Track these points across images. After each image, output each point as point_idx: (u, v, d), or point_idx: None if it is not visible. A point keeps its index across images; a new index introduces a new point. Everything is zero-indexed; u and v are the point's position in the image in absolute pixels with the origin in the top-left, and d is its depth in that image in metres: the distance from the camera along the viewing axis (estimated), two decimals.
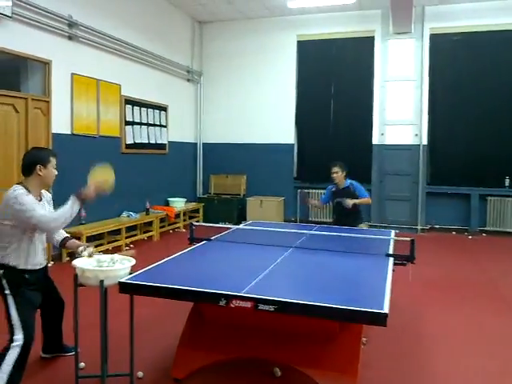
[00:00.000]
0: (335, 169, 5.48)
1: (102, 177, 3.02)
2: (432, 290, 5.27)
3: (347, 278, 2.99)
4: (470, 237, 8.54)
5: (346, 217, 5.40)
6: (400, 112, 9.09)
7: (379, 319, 2.24)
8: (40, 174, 2.92)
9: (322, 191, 9.32)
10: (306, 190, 9.37)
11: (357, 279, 3.01)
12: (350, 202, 5.36)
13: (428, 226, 8.98)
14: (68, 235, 3.27)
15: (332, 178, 5.51)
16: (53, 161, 2.99)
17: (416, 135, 8.98)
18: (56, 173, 3.04)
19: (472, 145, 8.73)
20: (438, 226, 8.97)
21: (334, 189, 5.59)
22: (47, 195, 3.13)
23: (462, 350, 3.70)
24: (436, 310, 4.62)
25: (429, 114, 8.93)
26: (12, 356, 2.67)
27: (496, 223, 8.68)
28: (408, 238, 3.60)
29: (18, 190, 2.80)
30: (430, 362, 3.45)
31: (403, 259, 3.64)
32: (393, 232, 4.67)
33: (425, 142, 8.95)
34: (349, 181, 5.54)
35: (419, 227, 8.91)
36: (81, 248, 3.07)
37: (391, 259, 3.46)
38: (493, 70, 8.58)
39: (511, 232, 8.57)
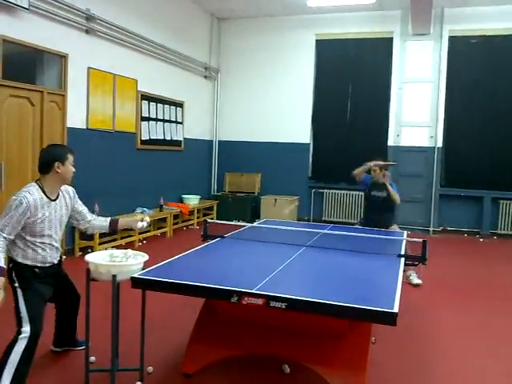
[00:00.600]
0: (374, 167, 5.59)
1: None
2: (443, 291, 5.26)
3: (358, 277, 2.99)
4: (481, 239, 8.47)
5: (379, 214, 5.42)
6: (416, 114, 9.01)
7: (389, 318, 2.24)
8: (58, 171, 2.91)
9: (337, 191, 9.40)
10: (320, 190, 9.37)
11: (368, 278, 2.99)
12: (377, 163, 5.47)
13: (440, 227, 8.92)
14: (111, 218, 3.30)
15: (371, 176, 5.63)
16: (70, 158, 2.99)
17: (431, 137, 8.91)
18: (74, 170, 3.03)
19: (486, 148, 8.67)
20: (450, 228, 8.90)
21: (371, 180, 5.65)
22: (68, 190, 3.12)
23: (471, 351, 3.68)
24: (446, 311, 4.60)
25: (445, 116, 8.86)
26: (19, 348, 2.69)
27: (508, 226, 8.65)
28: (420, 239, 3.58)
29: (22, 193, 2.80)
30: (439, 363, 3.43)
31: (415, 260, 3.65)
32: (405, 233, 4.66)
33: (440, 144, 8.88)
34: (390, 181, 5.58)
35: (431, 229, 8.84)
36: (139, 224, 3.22)
37: (403, 260, 3.44)
38: (510, 74, 8.48)
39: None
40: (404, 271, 5.01)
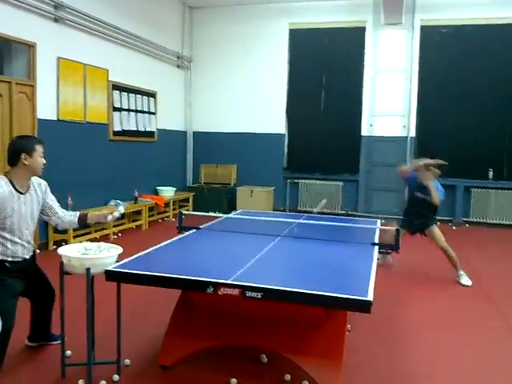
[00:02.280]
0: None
1: None
2: (415, 278, 5.36)
3: (333, 266, 3.02)
4: (453, 227, 8.65)
5: (420, 213, 5.23)
6: (389, 103, 9.13)
7: (363, 306, 2.27)
8: (26, 163, 2.84)
9: (312, 181, 9.45)
10: (296, 180, 9.44)
11: (342, 267, 3.03)
12: (423, 162, 5.11)
13: None
14: (80, 212, 3.23)
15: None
16: (39, 149, 2.91)
17: (404, 127, 9.03)
18: (44, 161, 2.96)
19: (458, 137, 8.81)
20: None
21: (418, 178, 5.26)
22: (40, 183, 3.06)
23: (443, 336, 3.77)
24: (418, 298, 4.71)
25: (417, 105, 8.98)
26: None
27: (479, 214, 8.83)
28: (393, 228, 3.64)
29: None
30: (413, 348, 3.52)
31: (388, 248, 3.69)
32: (379, 221, 4.73)
33: (412, 133, 9.01)
34: (437, 182, 5.22)
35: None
36: (109, 217, 3.15)
37: (376, 248, 3.49)
38: (481, 63, 8.62)
39: (493, 223, 8.72)
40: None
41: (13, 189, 2.82)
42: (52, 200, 3.14)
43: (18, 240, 2.89)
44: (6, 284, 2.81)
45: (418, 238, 5.56)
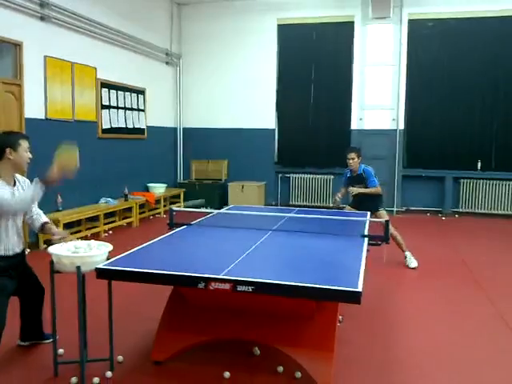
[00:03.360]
0: (351, 154, 5.36)
1: (66, 158, 2.89)
2: (405, 269, 5.40)
3: (323, 259, 3.04)
4: (443, 218, 8.74)
5: (362, 203, 5.36)
6: (378, 97, 9.17)
7: (354, 297, 2.30)
8: (10, 157, 2.86)
9: (303, 175, 9.49)
10: (287, 175, 9.47)
11: (332, 259, 3.05)
12: (353, 190, 5.33)
13: (404, 208, 9.15)
14: (47, 220, 3.21)
15: (348, 163, 5.42)
16: (23, 144, 2.92)
17: (393, 120, 9.08)
18: (30, 156, 2.98)
19: (447, 129, 8.89)
20: (413, 208, 9.14)
21: (349, 174, 5.53)
22: (23, 180, 3.06)
23: (434, 326, 3.82)
24: (409, 288, 4.78)
25: (406, 98, 9.04)
26: None
27: (468, 205, 8.94)
28: (383, 220, 3.67)
29: None
30: (404, 338, 3.56)
31: (378, 240, 3.72)
32: (369, 213, 4.76)
33: (402, 126, 9.07)
34: (362, 166, 5.44)
35: (395, 209, 9.05)
36: (55, 238, 3.06)
37: (366, 240, 3.52)
38: (469, 56, 8.70)
39: (482, 213, 8.83)
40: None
41: (4, 182, 2.82)
42: None
43: (12, 233, 2.89)
44: None
45: (407, 231, 5.62)
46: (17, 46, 5.78)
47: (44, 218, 3.19)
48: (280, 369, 2.96)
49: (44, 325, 3.29)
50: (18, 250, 2.98)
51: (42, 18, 6.13)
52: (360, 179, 5.42)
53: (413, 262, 5.38)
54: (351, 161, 5.38)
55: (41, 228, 3.17)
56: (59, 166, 2.82)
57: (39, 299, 3.20)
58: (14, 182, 2.94)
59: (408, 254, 5.44)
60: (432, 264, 5.61)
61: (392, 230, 5.13)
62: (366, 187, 5.40)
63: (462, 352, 3.36)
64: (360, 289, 2.32)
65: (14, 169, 2.92)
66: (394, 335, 3.61)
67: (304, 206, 8.82)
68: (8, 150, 2.85)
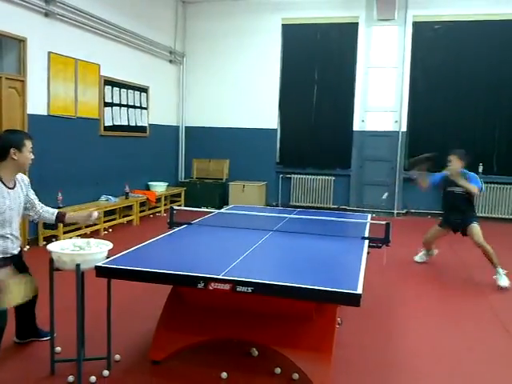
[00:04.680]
0: (450, 157, 5.18)
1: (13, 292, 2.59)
2: (405, 272, 5.40)
3: (323, 260, 3.03)
4: None
5: (458, 210, 5.15)
6: (381, 99, 9.14)
7: (353, 300, 2.29)
8: (15, 158, 2.83)
9: (304, 176, 9.48)
10: (288, 175, 9.45)
11: (332, 261, 3.05)
12: (461, 182, 5.00)
13: (405, 210, 9.13)
14: (59, 211, 3.22)
15: (447, 167, 5.23)
16: (28, 144, 2.90)
17: (396, 122, 9.06)
18: (32, 157, 2.96)
19: (449, 132, 8.85)
20: (414, 211, 9.12)
21: (448, 175, 5.26)
22: (23, 179, 3.05)
23: (433, 328, 3.81)
24: (408, 290, 4.75)
25: (409, 101, 9.01)
26: None
27: None
28: (383, 222, 3.65)
29: None
30: (403, 341, 3.55)
31: (378, 242, 3.71)
32: (369, 216, 4.75)
33: (404, 128, 9.04)
34: (465, 171, 5.21)
35: (396, 211, 9.04)
36: (92, 218, 3.15)
37: (366, 242, 3.52)
38: (473, 60, 8.67)
39: (483, 216, 8.74)
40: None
41: (2, 184, 2.81)
42: (33, 194, 3.13)
43: (9, 235, 2.88)
44: None
45: (407, 234, 5.60)
46: (21, 42, 5.77)
47: (51, 209, 3.19)
48: (278, 370, 2.96)
49: (42, 322, 3.28)
50: (15, 251, 2.97)
51: (47, 14, 6.12)
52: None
53: (503, 280, 4.83)
54: (449, 163, 5.18)
55: (59, 220, 3.17)
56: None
57: (31, 301, 3.17)
58: (14, 183, 2.92)
59: (500, 270, 4.90)
60: (432, 267, 5.60)
61: (483, 243, 4.95)
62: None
63: (462, 355, 3.35)
64: (360, 291, 2.32)
65: (16, 169, 2.91)
66: (393, 338, 3.60)
67: (305, 207, 8.80)
68: (13, 151, 2.82)
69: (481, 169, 8.74)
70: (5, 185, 2.83)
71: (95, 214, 3.19)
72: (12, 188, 2.88)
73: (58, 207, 6.32)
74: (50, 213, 3.17)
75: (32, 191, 3.14)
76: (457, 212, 5.21)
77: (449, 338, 3.61)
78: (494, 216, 8.76)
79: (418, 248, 5.81)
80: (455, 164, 5.13)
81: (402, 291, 4.71)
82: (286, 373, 2.92)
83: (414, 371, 3.09)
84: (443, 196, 5.43)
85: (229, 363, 3.05)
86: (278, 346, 2.84)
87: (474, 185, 5.04)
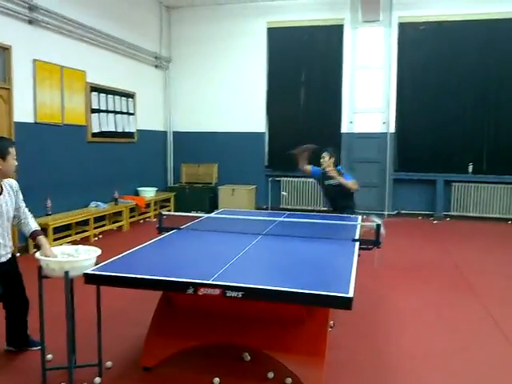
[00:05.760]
0: (323, 154, 5.50)
1: None
2: (397, 273, 5.41)
3: (314, 263, 3.02)
4: (435, 221, 8.77)
5: (339, 203, 5.38)
6: (369, 100, 9.19)
7: (344, 303, 2.28)
8: (0, 167, 2.80)
9: (293, 179, 9.49)
10: (277, 178, 9.49)
11: (323, 264, 3.04)
12: (334, 175, 5.30)
13: (395, 211, 9.17)
14: (37, 229, 3.12)
15: (320, 163, 5.52)
16: (12, 152, 2.87)
17: (384, 123, 9.11)
18: (16, 163, 2.93)
19: (438, 132, 8.91)
20: (404, 212, 9.16)
21: (323, 170, 5.53)
22: (12, 184, 3.01)
23: (426, 329, 3.81)
24: (400, 292, 4.75)
25: (397, 102, 9.06)
26: None
27: (460, 208, 8.95)
28: (374, 223, 3.66)
29: None
30: (396, 343, 3.54)
31: (369, 244, 3.70)
32: (359, 217, 4.74)
33: (392, 129, 9.09)
34: (338, 167, 5.52)
35: (386, 213, 9.08)
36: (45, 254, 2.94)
37: (357, 244, 3.51)
38: (459, 59, 8.73)
39: (474, 216, 8.86)
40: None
41: None
42: (22, 201, 3.09)
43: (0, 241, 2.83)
44: None
45: (398, 235, 5.61)
46: (5, 50, 5.74)
47: (33, 224, 3.10)
48: (270, 375, 2.95)
49: (32, 329, 3.25)
50: (3, 258, 2.94)
51: (31, 22, 6.09)
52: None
53: None
54: (322, 160, 5.50)
55: (31, 236, 3.08)
56: None
57: (23, 311, 3.14)
58: (1, 189, 2.89)
59: None
60: (424, 268, 5.62)
61: None
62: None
63: (455, 356, 3.35)
64: (351, 294, 2.30)
65: (1, 177, 2.87)
66: (386, 340, 3.60)
67: (295, 210, 8.81)
68: None
69: (471, 169, 8.82)
70: None
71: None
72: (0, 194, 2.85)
73: (47, 214, 6.30)
74: (27, 228, 3.08)
75: (21, 198, 3.09)
76: (331, 202, 5.56)
77: (442, 340, 3.61)
78: (485, 216, 8.82)
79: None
80: (327, 160, 5.46)
81: (394, 293, 4.70)
82: (279, 377, 2.91)
83: (408, 374, 3.09)
84: (321, 188, 5.79)
85: (221, 368, 3.04)
86: (270, 350, 2.83)
87: (349, 180, 5.38)
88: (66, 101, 6.77)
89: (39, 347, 2.96)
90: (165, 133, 10.02)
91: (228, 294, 2.39)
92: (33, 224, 3.11)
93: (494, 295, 4.64)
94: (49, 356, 3.06)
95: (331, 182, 5.42)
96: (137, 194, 8.63)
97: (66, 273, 2.66)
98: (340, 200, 5.42)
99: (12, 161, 2.86)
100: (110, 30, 7.70)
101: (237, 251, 3.21)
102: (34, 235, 3.06)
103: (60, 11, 6.50)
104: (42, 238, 3.03)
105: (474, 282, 5.03)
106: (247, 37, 9.52)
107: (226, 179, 9.65)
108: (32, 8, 6.03)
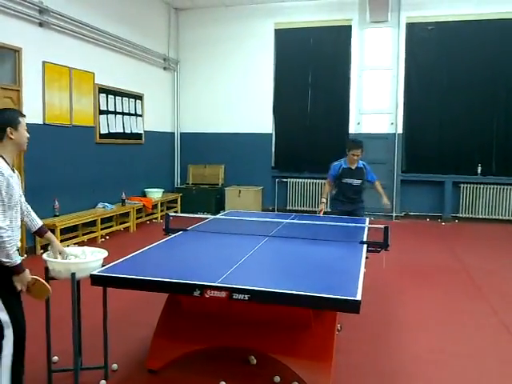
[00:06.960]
0: (357, 151, 5.26)
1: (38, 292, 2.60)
2: (405, 275, 5.36)
3: (321, 266, 2.99)
4: (443, 223, 8.70)
5: (353, 195, 5.36)
6: (376, 101, 9.15)
7: (352, 306, 2.25)
8: (12, 137, 2.64)
9: (300, 180, 9.46)
10: (284, 179, 9.45)
11: (331, 267, 3.00)
12: (387, 202, 5.47)
13: (403, 213, 9.11)
14: (42, 224, 2.94)
15: (352, 159, 5.30)
16: (23, 122, 2.72)
17: (392, 124, 9.07)
18: (28, 135, 2.77)
19: (446, 133, 8.85)
20: (412, 213, 9.10)
21: (343, 166, 5.36)
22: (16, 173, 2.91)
23: (434, 334, 3.77)
24: (409, 295, 4.71)
25: (404, 102, 9.01)
26: (7, 352, 2.47)
27: (468, 210, 8.88)
28: (382, 226, 3.62)
29: None
30: (404, 347, 3.51)
31: (377, 246, 3.65)
32: (367, 219, 4.71)
33: (400, 130, 9.05)
34: (361, 162, 5.40)
35: (394, 214, 9.03)
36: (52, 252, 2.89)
37: (365, 246, 3.47)
38: (467, 60, 8.67)
39: (482, 218, 8.77)
40: None
41: (10, 170, 2.60)
42: (22, 194, 2.89)
43: (14, 223, 2.60)
44: (12, 288, 2.54)
45: (406, 237, 5.58)
46: (16, 52, 5.78)
47: (38, 219, 2.92)
48: (277, 378, 2.93)
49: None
50: (18, 243, 2.86)
51: (41, 24, 6.12)
52: (358, 173, 5.36)
53: None
54: (356, 157, 5.28)
55: (37, 232, 2.90)
56: (35, 285, 2.57)
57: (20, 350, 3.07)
58: (13, 167, 2.72)
59: None
60: (432, 271, 5.57)
61: None
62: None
63: (466, 360, 3.31)
64: (359, 298, 2.27)
65: (15, 149, 2.72)
66: (394, 343, 3.57)
67: (301, 211, 8.80)
68: (9, 130, 2.63)
69: (479, 170, 8.74)
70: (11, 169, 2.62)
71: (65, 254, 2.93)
72: (14, 173, 2.66)
73: (55, 215, 6.32)
74: (32, 222, 2.88)
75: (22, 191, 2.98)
76: (343, 195, 5.44)
77: (451, 344, 3.57)
78: (494, 218, 8.74)
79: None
80: (360, 155, 5.34)
81: (402, 296, 4.66)
82: (286, 381, 2.89)
83: (416, 378, 3.06)
84: (339, 187, 5.52)
85: (227, 371, 3.02)
86: (276, 353, 2.81)
87: (375, 180, 5.53)
88: (75, 102, 6.80)
89: None
90: (172, 134, 10.04)
91: (234, 297, 2.38)
92: (38, 219, 3.00)
93: (503, 299, 4.58)
94: (55, 358, 3.06)
95: (348, 180, 5.32)
96: (144, 195, 8.65)
97: (73, 274, 2.66)
98: (354, 195, 5.38)
99: (23, 131, 2.72)
100: (118, 32, 7.73)
101: (243, 253, 3.19)
102: (41, 231, 2.90)
103: (70, 13, 6.54)
104: (51, 235, 2.96)
105: (483, 286, 4.97)
106: (255, 38, 9.51)
107: (233, 180, 9.65)
108: (42, 11, 6.07)
